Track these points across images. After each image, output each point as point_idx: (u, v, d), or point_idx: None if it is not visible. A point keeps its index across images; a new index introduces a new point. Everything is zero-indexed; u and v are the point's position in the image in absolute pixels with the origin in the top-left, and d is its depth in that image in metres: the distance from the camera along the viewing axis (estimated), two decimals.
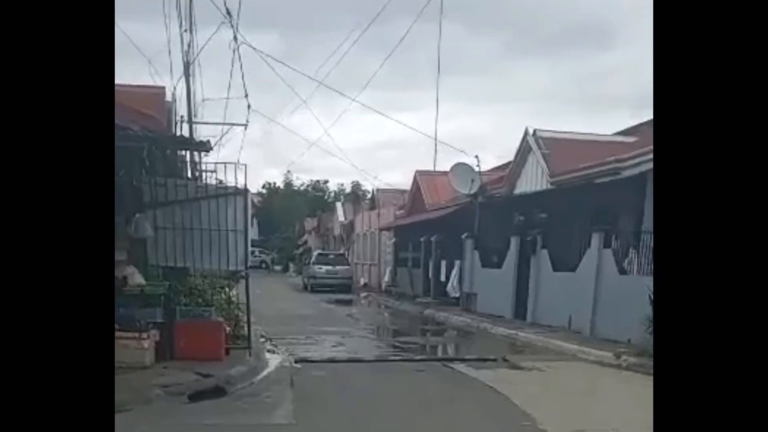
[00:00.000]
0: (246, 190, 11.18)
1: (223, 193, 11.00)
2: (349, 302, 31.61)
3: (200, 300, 11.05)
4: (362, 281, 40.35)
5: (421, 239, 29.71)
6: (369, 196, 51.16)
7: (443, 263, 26.82)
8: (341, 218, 51.86)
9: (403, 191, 37.82)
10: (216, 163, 11.21)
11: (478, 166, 24.51)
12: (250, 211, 11.45)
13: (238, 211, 11.01)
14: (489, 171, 26.65)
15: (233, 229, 11.00)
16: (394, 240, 35.90)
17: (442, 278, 26.63)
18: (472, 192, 23.74)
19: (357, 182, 66.79)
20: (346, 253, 44.06)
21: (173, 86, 16.22)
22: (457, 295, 24.67)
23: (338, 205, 56.19)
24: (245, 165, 11.36)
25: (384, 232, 38.20)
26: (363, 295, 35.37)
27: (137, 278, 10.40)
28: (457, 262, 24.88)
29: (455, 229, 24.84)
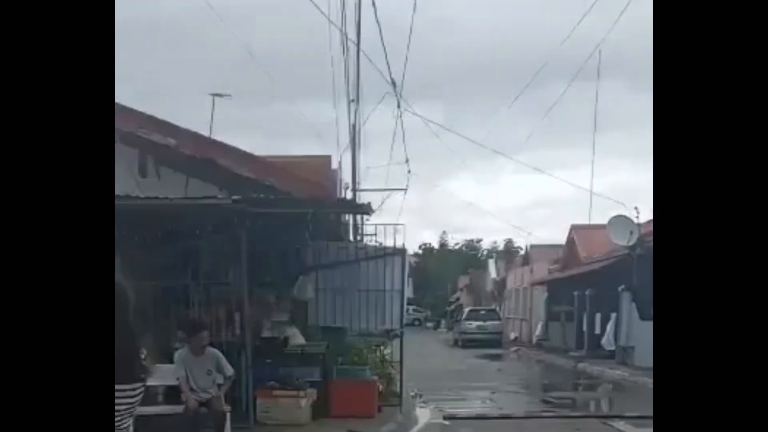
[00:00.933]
0: (404, 250, 11.61)
1: (382, 254, 11.45)
2: (499, 357, 31.49)
3: (356, 358, 11.50)
4: (512, 336, 40.35)
5: (575, 293, 29.38)
6: (521, 252, 51.09)
7: (598, 316, 26.38)
8: (493, 275, 52.27)
9: (556, 246, 37.53)
10: (376, 224, 11.74)
11: (637, 217, 24.03)
12: (407, 271, 11.84)
13: (395, 271, 11.43)
14: (647, 223, 25.88)
15: (390, 289, 11.41)
16: (546, 294, 35.74)
17: (597, 331, 26.19)
18: (630, 244, 23.26)
19: (510, 239, 67.00)
20: (498, 308, 44.03)
21: (339, 155, 17.02)
22: (613, 348, 24.20)
23: (490, 262, 56.65)
24: (403, 225, 11.73)
25: (536, 286, 38.11)
26: (513, 349, 35.20)
27: (298, 339, 10.99)
28: (613, 315, 24.45)
29: (611, 282, 24.51)
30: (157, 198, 9.78)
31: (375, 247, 11.72)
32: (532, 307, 39.59)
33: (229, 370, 8.84)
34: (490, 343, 35.72)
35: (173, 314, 10.22)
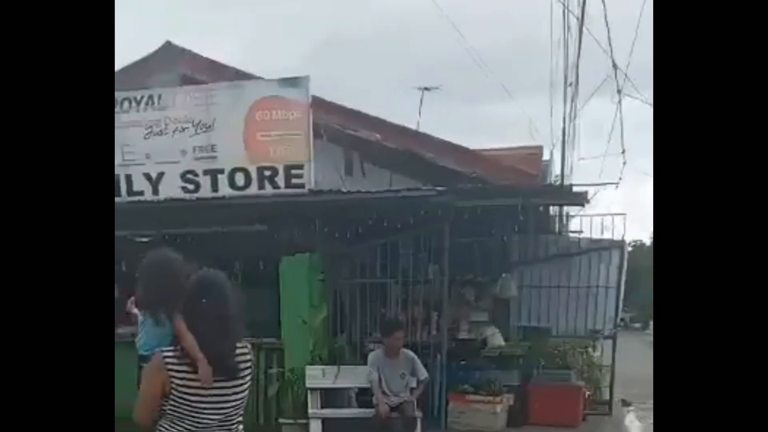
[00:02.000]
0: (623, 243, 10.81)
1: (597, 247, 10.74)
2: None
3: (559, 362, 10.89)
4: None
5: None
6: None
7: None
8: None
9: None
10: (591, 215, 10.94)
11: None
12: (624, 266, 11.05)
13: (611, 266, 10.72)
14: None
15: (604, 286, 10.72)
16: None
17: None
18: None
19: None
20: None
21: (551, 146, 16.26)
22: None
23: None
24: (624, 215, 10.87)
25: None
26: None
27: (497, 340, 10.55)
28: None
29: None
30: (359, 192, 9.88)
31: (589, 239, 10.96)
32: None
33: (423, 374, 8.64)
34: None
35: (370, 313, 10.23)
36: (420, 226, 9.79)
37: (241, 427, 3.42)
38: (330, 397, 9.18)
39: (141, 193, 10.07)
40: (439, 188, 9.64)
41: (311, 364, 9.23)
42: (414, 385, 8.61)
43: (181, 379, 3.21)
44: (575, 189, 10.03)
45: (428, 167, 11.14)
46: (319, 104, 10.32)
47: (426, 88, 14.97)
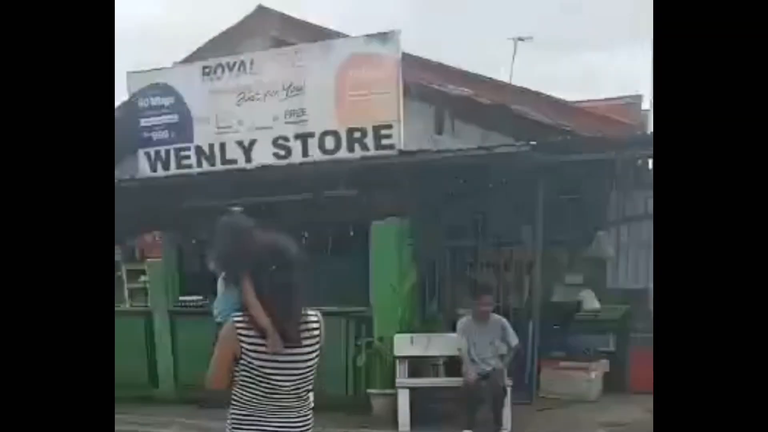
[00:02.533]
0: None
1: None
2: None
3: None
4: None
5: None
6: None
7: None
8: None
9: None
10: None
11: None
12: None
13: None
14: None
15: None
16: None
17: None
18: None
19: None
20: None
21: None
22: None
23: None
24: None
25: None
26: None
27: (592, 303, 10.25)
28: None
29: None
30: (449, 151, 9.61)
31: None
32: None
33: (514, 340, 8.43)
34: None
35: (460, 278, 10.06)
36: (512, 184, 9.49)
37: (311, 396, 3.42)
38: (419, 366, 9.07)
39: (234, 161, 10.16)
40: (532, 143, 9.30)
41: (400, 332, 9.11)
42: (504, 351, 8.40)
43: (250, 344, 3.23)
44: None
45: (522, 122, 10.74)
46: (407, 60, 10.08)
47: (519, 38, 14.33)
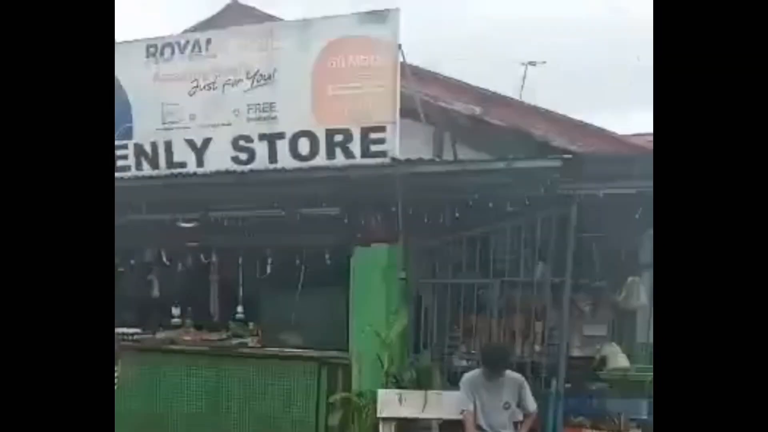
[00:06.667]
0: None
1: None
2: None
3: None
4: None
5: None
6: None
7: None
8: None
9: None
10: None
11: None
12: None
13: None
14: None
15: None
16: None
17: None
18: None
19: None
20: None
21: None
22: None
23: None
24: None
25: None
26: None
27: (620, 360, 8.46)
28: None
29: None
30: (458, 161, 8.13)
31: None
32: None
33: (532, 405, 6.82)
34: None
35: (463, 322, 8.25)
36: (538, 209, 7.80)
37: None
38: (408, 430, 7.36)
39: (183, 164, 8.42)
40: (566, 155, 7.62)
41: (386, 386, 7.37)
42: (520, 418, 6.73)
43: None
44: None
45: (539, 148, 9.05)
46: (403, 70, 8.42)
47: (531, 63, 12.69)
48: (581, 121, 10.11)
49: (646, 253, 8.97)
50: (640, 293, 8.66)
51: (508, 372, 6.83)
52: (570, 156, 8.13)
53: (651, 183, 7.70)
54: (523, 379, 6.88)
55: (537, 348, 8.35)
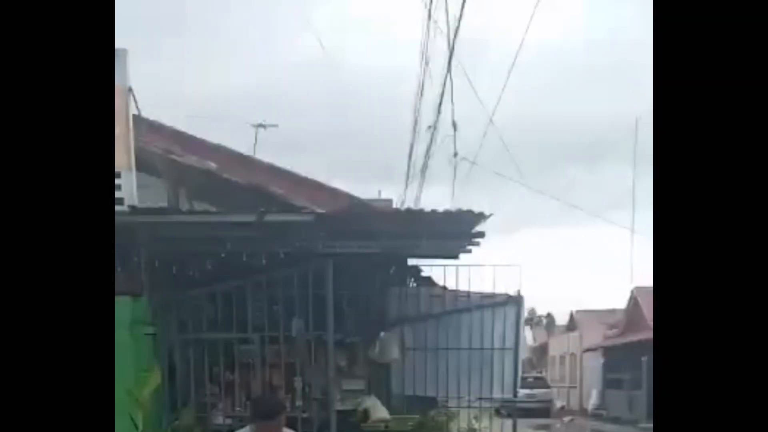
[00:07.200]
0: (520, 298, 8.76)
1: (490, 303, 8.64)
2: (560, 429, 28.70)
3: None
4: (559, 404, 37.80)
5: (643, 359, 26.77)
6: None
7: None
8: (530, 342, 50.09)
9: (606, 312, 35.85)
10: (482, 265, 8.72)
11: None
12: (522, 324, 9.06)
13: (507, 324, 8.68)
14: None
15: (501, 347, 8.66)
16: (603, 361, 33.33)
17: None
18: None
19: (533, 308, 63.62)
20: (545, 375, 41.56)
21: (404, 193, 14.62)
22: None
23: (527, 329, 54.52)
24: (519, 266, 8.70)
25: (588, 353, 36.04)
26: (567, 419, 32.38)
27: (380, 412, 8.22)
28: None
29: None
30: (206, 212, 7.83)
31: (480, 294, 8.79)
32: (582, 375, 37.87)
33: None
34: (540, 412, 32.50)
35: (223, 378, 7.52)
36: (292, 265, 7.42)
37: None
38: None
39: None
40: (320, 211, 7.36)
41: None
42: None
43: None
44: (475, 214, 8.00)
45: (280, 207, 8.69)
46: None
47: (261, 125, 12.49)
48: (320, 183, 10.06)
49: (395, 309, 8.97)
50: (393, 347, 8.59)
51: (286, 429, 6.17)
52: (323, 212, 7.99)
53: (402, 242, 8.02)
54: None
55: (298, 403, 7.90)
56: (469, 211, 7.95)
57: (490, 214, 8.05)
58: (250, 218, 7.19)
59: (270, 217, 7.28)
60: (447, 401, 9.06)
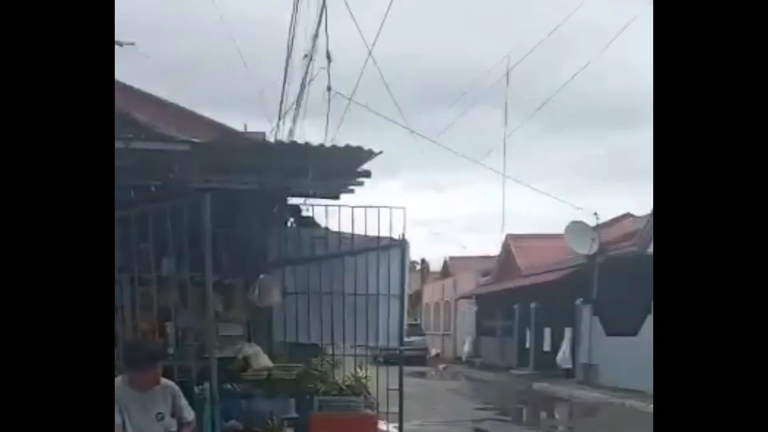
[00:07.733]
0: (404, 242, 8.44)
1: (374, 246, 8.27)
2: (435, 375, 29.10)
3: (339, 386, 8.23)
4: (434, 352, 38.46)
5: (515, 306, 27.42)
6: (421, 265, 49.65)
7: (547, 331, 24.45)
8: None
9: (480, 258, 36.09)
10: (366, 207, 8.31)
11: (597, 220, 22.51)
12: (407, 269, 8.76)
13: (392, 268, 8.35)
14: (606, 228, 23.58)
15: (386, 293, 8.34)
16: (476, 309, 33.92)
17: (546, 348, 24.42)
18: (591, 252, 21.35)
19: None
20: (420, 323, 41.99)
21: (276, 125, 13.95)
22: (569, 366, 22.42)
23: None
24: (404, 209, 8.37)
25: (462, 300, 36.39)
26: (442, 366, 33.08)
27: (262, 360, 7.75)
28: (569, 330, 22.46)
29: (562, 294, 22.57)
30: None
31: (364, 237, 8.39)
32: (456, 322, 38.16)
33: (190, 414, 5.60)
34: (415, 360, 32.94)
35: None
36: (161, 198, 6.81)
37: None
38: None
39: None
40: (195, 139, 6.75)
41: None
42: (174, 429, 5.47)
43: None
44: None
45: (145, 135, 7.88)
46: None
47: (117, 43, 11.39)
48: (190, 110, 9.29)
49: (275, 250, 8.48)
50: (273, 291, 8.13)
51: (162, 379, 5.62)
52: (199, 141, 7.38)
53: (284, 178, 7.54)
54: (175, 385, 5.64)
55: (171, 350, 7.34)
56: (358, 148, 7.54)
57: (380, 152, 7.70)
58: (117, 144, 6.49)
59: (138, 144, 6.64)
60: (330, 349, 8.75)
